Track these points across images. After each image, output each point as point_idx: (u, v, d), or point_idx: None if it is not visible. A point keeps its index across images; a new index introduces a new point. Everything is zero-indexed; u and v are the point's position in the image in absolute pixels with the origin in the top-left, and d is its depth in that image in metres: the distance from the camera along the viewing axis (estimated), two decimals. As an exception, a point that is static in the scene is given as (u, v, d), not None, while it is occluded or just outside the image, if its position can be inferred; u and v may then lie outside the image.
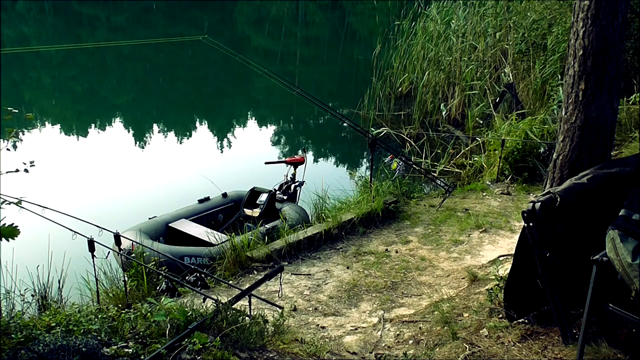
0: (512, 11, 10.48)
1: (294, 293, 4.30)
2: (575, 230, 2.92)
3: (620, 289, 2.52)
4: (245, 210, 6.43)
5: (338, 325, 3.78)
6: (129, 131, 11.77)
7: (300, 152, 8.04)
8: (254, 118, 13.63)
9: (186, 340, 2.52)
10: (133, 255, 4.54)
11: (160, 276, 4.23)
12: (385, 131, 8.99)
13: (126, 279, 4.15)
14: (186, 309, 2.79)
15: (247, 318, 2.97)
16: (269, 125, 13.12)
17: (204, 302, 3.37)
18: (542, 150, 6.91)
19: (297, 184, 6.81)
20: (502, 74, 9.57)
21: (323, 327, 3.73)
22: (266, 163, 6.91)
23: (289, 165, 6.93)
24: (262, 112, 14.17)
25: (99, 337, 2.45)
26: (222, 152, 10.87)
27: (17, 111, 2.72)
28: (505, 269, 3.87)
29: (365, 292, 4.32)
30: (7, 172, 2.44)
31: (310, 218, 6.07)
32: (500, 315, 3.32)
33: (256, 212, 6.31)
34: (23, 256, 3.87)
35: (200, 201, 6.47)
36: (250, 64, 7.33)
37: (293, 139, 12.21)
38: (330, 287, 4.41)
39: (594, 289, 2.54)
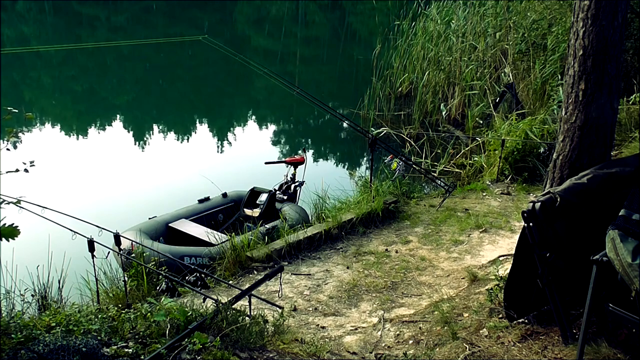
0: (512, 11, 10.48)
1: (294, 293, 4.30)
2: (575, 230, 2.92)
3: (620, 289, 2.52)
4: (245, 210, 6.43)
5: (338, 325, 3.78)
6: (129, 131, 11.77)
7: (300, 152, 8.05)
8: (254, 118, 13.63)
9: (186, 340, 2.52)
10: (133, 255, 4.54)
11: (160, 276, 4.23)
12: (385, 131, 8.99)
13: (126, 279, 4.15)
14: (186, 309, 2.79)
15: (247, 318, 2.97)
16: (269, 125, 13.12)
17: (204, 302, 3.37)
18: (542, 150, 6.91)
19: (297, 184, 6.81)
20: (502, 74, 9.57)
21: (323, 327, 3.73)
22: (266, 163, 6.91)
23: (289, 165, 6.93)
24: (262, 112, 14.17)
25: (99, 337, 2.45)
26: (222, 152, 10.87)
27: (17, 111, 2.72)
28: (505, 269, 3.87)
29: (365, 292, 4.32)
30: (7, 172, 2.44)
31: (310, 218, 6.07)
32: (500, 315, 3.32)
33: (256, 212, 6.31)
34: (23, 256, 3.86)
35: (200, 201, 6.47)
36: (250, 64, 7.33)
37: (293, 139, 12.20)
38: (330, 287, 4.41)
39: (594, 289, 2.54)
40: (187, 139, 11.51)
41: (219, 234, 5.60)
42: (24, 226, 2.23)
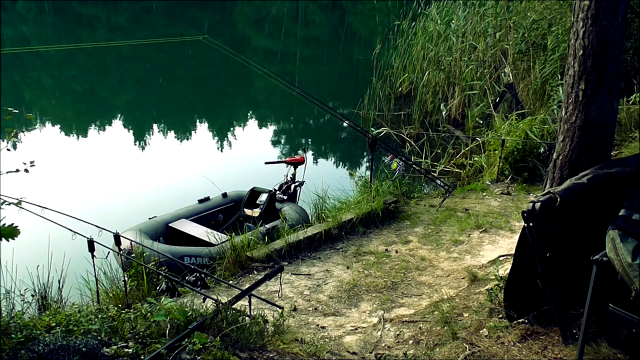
0: (512, 11, 10.48)
1: (294, 293, 4.30)
2: (575, 230, 2.92)
3: (620, 289, 2.52)
4: (245, 210, 6.43)
5: (338, 325, 3.78)
6: (129, 131, 11.77)
7: (300, 152, 8.05)
8: (254, 118, 13.63)
9: (186, 340, 2.52)
10: (133, 255, 4.54)
11: (160, 276, 4.23)
12: (385, 131, 8.99)
13: (126, 279, 4.15)
14: (186, 309, 2.79)
15: (247, 318, 2.97)
16: (269, 125, 13.12)
17: (204, 302, 3.37)
18: (542, 150, 6.91)
19: (297, 184, 6.81)
20: (502, 74, 9.57)
21: (323, 327, 3.73)
22: (266, 163, 6.91)
23: (289, 165, 6.93)
24: (262, 112, 14.17)
25: (99, 337, 2.45)
26: (222, 152, 10.87)
27: (17, 111, 2.72)
28: (505, 269, 3.87)
29: (365, 292, 4.32)
30: (7, 172, 2.44)
31: (310, 218, 6.07)
32: (500, 315, 3.32)
33: (256, 212, 6.31)
34: (23, 256, 3.86)
35: (200, 201, 6.46)
36: (250, 64, 7.33)
37: (293, 139, 12.21)
38: (330, 287, 4.41)
39: (594, 289, 2.54)
40: (187, 139, 11.51)
41: (219, 234, 5.60)
42: (24, 226, 2.24)
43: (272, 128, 12.99)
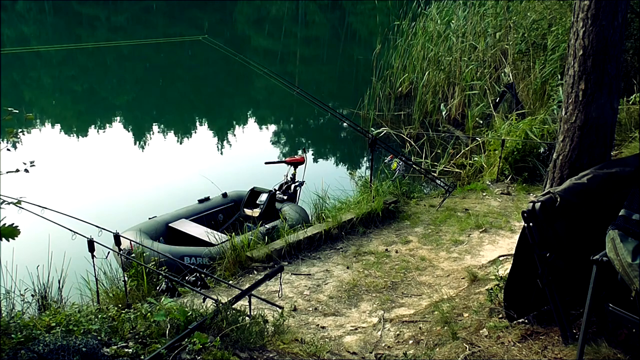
0: (512, 11, 10.48)
1: (294, 293, 4.30)
2: (575, 230, 2.92)
3: (620, 289, 2.52)
4: (245, 210, 6.43)
5: (338, 325, 3.78)
6: (129, 131, 11.77)
7: (300, 152, 8.05)
8: (254, 118, 13.63)
9: (186, 340, 2.52)
10: (133, 255, 4.54)
11: (160, 276, 4.23)
12: (385, 131, 8.99)
13: (126, 279, 4.15)
14: (186, 309, 2.79)
15: (247, 318, 2.97)
16: (269, 125, 13.12)
17: (204, 302, 3.37)
18: (542, 150, 6.91)
19: (297, 184, 6.81)
20: (502, 74, 9.57)
21: (323, 327, 3.73)
22: (266, 163, 6.91)
23: (289, 165, 6.93)
24: (262, 112, 14.17)
25: (99, 337, 2.45)
26: (222, 152, 10.87)
27: (17, 111, 2.72)
28: (505, 269, 3.87)
29: (365, 292, 4.32)
30: (7, 172, 2.44)
31: (310, 218, 6.07)
32: (500, 315, 3.32)
33: (256, 212, 6.31)
34: (23, 256, 3.86)
35: (200, 201, 6.47)
36: (250, 64, 7.33)
37: (293, 139, 12.21)
38: (330, 287, 4.41)
39: (594, 289, 2.54)
40: (187, 139, 11.51)
41: (219, 234, 5.60)
42: (24, 226, 2.24)
43: (272, 128, 12.99)
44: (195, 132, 12.02)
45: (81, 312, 2.66)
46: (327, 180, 6.66)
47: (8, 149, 2.70)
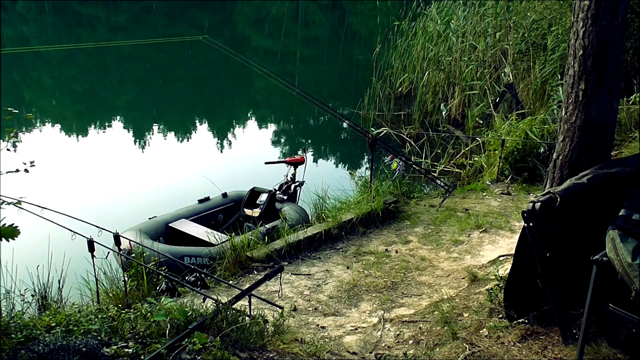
0: (512, 11, 10.48)
1: (294, 293, 4.30)
2: (575, 230, 2.92)
3: (620, 289, 2.52)
4: (245, 210, 6.43)
5: (338, 325, 3.78)
6: (129, 131, 11.76)
7: (300, 152, 8.05)
8: (254, 118, 13.63)
9: (186, 340, 2.52)
10: (133, 255, 4.54)
11: (160, 276, 4.23)
12: (385, 131, 8.99)
13: (126, 279, 4.15)
14: (186, 309, 2.79)
15: (247, 318, 2.97)
16: (269, 125, 13.12)
17: (204, 302, 3.38)
18: (542, 150, 6.91)
19: (297, 184, 6.81)
20: (502, 74, 9.57)
21: (323, 327, 3.73)
22: (266, 163, 6.91)
23: (289, 165, 6.93)
24: (262, 112, 14.17)
25: (99, 337, 2.45)
26: (222, 152, 10.87)
27: (17, 111, 2.72)
28: (505, 269, 3.87)
29: (365, 292, 4.32)
30: (7, 172, 2.44)
31: (310, 218, 6.07)
32: (500, 315, 3.32)
33: (256, 212, 6.31)
34: (23, 256, 3.86)
35: (200, 201, 6.47)
36: (250, 64, 7.33)
37: (293, 139, 12.20)
38: (330, 287, 4.41)
39: (594, 289, 2.54)
40: (187, 139, 11.51)
41: (219, 234, 5.60)
42: (24, 226, 2.24)
43: (272, 128, 12.99)
44: (195, 132, 12.02)
45: (81, 312, 2.66)
46: (327, 180, 6.66)
47: (8, 149, 2.70)
